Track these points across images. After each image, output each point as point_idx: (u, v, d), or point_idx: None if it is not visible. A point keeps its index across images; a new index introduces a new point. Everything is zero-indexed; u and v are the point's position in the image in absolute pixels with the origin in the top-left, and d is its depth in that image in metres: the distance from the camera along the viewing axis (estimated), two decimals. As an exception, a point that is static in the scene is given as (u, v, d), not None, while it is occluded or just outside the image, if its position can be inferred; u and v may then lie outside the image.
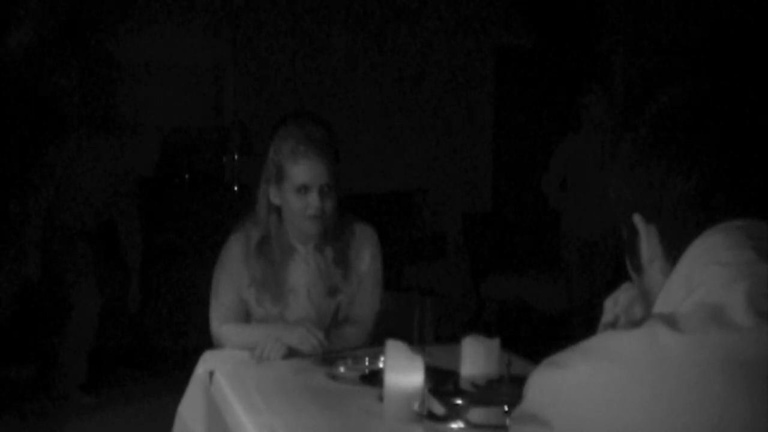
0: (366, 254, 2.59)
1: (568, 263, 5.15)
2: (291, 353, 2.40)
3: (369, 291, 2.61)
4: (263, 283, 2.51)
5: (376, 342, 2.43)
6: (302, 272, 2.54)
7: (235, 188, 5.63)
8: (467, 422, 1.75)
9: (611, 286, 1.31)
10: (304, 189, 2.43)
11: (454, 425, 1.75)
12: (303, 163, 2.41)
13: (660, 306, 0.92)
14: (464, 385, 1.97)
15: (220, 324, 2.56)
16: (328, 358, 2.36)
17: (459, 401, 1.81)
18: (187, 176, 5.69)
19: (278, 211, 2.52)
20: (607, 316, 1.30)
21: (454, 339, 2.12)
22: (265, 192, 2.51)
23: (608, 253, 4.90)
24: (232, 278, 2.55)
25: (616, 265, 4.76)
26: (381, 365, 2.12)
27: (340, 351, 2.44)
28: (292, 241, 2.54)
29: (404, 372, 1.86)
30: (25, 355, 4.95)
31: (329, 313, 2.55)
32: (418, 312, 2.94)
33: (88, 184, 4.53)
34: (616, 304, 1.29)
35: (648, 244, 0.95)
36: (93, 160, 4.54)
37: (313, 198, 2.42)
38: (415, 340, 2.04)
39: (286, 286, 2.52)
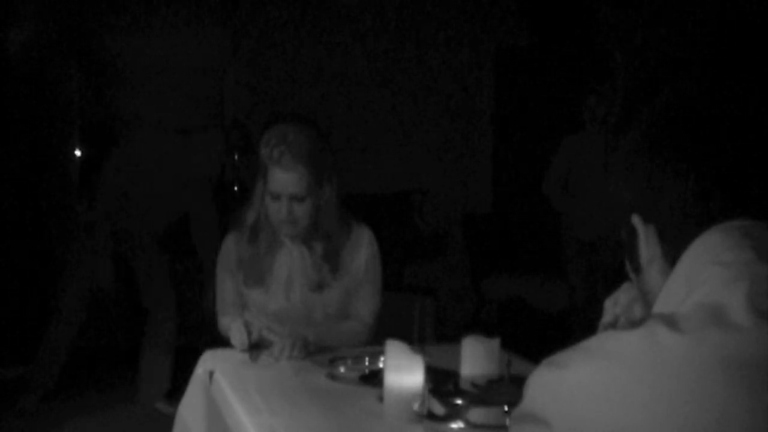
0: (361, 255, 2.62)
1: (569, 264, 5.15)
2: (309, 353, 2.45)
3: (367, 291, 2.64)
4: (248, 266, 2.58)
5: (376, 342, 2.44)
6: (284, 265, 2.59)
7: (235, 188, 5.63)
8: (467, 422, 1.75)
9: (612, 286, 1.32)
10: (276, 196, 2.49)
11: (454, 425, 1.75)
12: (276, 171, 2.47)
13: (660, 306, 0.92)
14: (464, 385, 1.97)
15: (219, 315, 2.69)
16: (324, 358, 2.37)
17: (459, 401, 1.81)
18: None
19: None
20: (607, 317, 1.30)
21: (454, 339, 2.12)
22: (258, 181, 2.58)
23: (610, 254, 4.90)
24: (229, 273, 2.64)
25: (617, 266, 4.76)
26: (381, 365, 2.13)
27: (342, 351, 2.45)
28: (280, 234, 2.58)
29: (404, 372, 1.86)
30: (24, 355, 4.95)
31: (317, 307, 2.56)
32: (418, 312, 2.94)
33: (156, 186, 4.27)
34: (616, 304, 1.29)
35: (647, 244, 0.95)
36: (159, 160, 4.27)
37: (282, 205, 2.49)
38: (415, 340, 2.04)
39: (269, 271, 2.58)
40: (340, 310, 2.61)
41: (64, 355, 4.49)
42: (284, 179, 2.47)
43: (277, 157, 2.46)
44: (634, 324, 0.89)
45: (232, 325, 2.48)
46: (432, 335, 2.97)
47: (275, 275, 2.59)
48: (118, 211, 4.28)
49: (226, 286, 2.67)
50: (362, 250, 2.62)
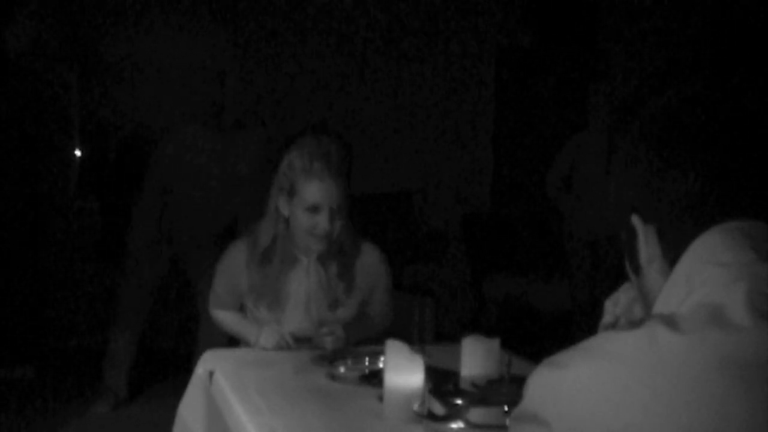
0: (372, 274, 2.63)
1: (572, 264, 5.14)
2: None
3: (380, 294, 2.68)
4: (261, 290, 2.56)
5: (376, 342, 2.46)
6: (302, 283, 2.57)
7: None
8: (467, 422, 1.74)
9: (614, 286, 1.32)
10: (315, 209, 2.44)
11: (454, 425, 1.75)
12: (315, 183, 2.42)
13: (660, 306, 0.92)
14: (464, 385, 1.97)
15: (214, 307, 2.73)
16: (324, 359, 2.37)
17: (459, 401, 1.81)
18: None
19: (286, 221, 2.54)
20: (607, 317, 1.30)
21: (454, 339, 2.12)
22: (275, 200, 2.53)
23: (613, 254, 4.89)
24: (228, 275, 2.64)
25: (620, 266, 4.74)
26: (381, 365, 2.13)
27: (343, 351, 2.45)
28: (296, 252, 2.55)
29: (404, 372, 1.86)
30: (26, 355, 4.95)
31: (332, 323, 2.57)
32: (418, 312, 2.95)
33: (199, 183, 4.17)
34: (616, 304, 1.29)
35: (646, 244, 0.95)
36: (197, 155, 4.17)
37: (323, 219, 2.44)
38: (415, 340, 2.04)
39: (283, 294, 2.56)
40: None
41: (131, 361, 4.43)
42: (327, 191, 2.42)
43: (317, 169, 2.41)
44: (635, 324, 0.88)
45: (264, 329, 2.51)
46: (432, 335, 2.97)
47: (293, 297, 2.57)
48: (162, 210, 4.22)
49: (225, 287, 2.67)
50: (372, 266, 2.62)
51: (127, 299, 4.40)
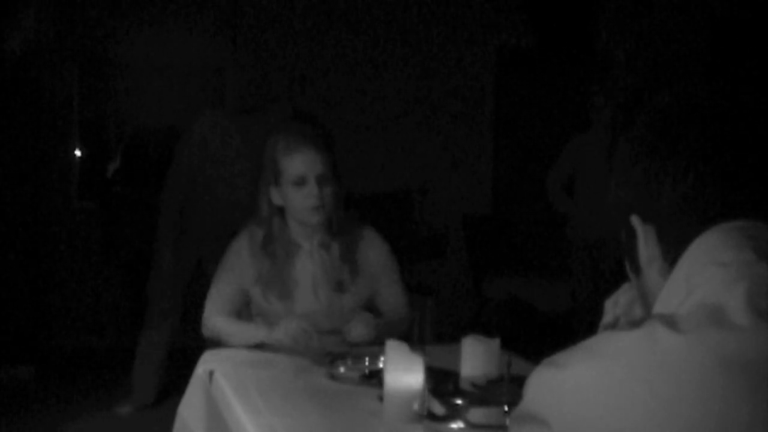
0: (376, 255, 2.65)
1: (572, 264, 5.14)
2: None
3: (393, 288, 2.69)
4: (269, 280, 2.56)
5: (376, 342, 2.45)
6: (307, 268, 2.59)
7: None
8: (467, 422, 1.75)
9: (614, 287, 1.31)
10: (301, 181, 2.48)
11: (454, 425, 1.75)
12: (297, 156, 2.47)
13: (660, 307, 0.92)
14: (464, 385, 1.97)
15: (214, 314, 2.63)
16: (325, 358, 2.37)
17: (459, 401, 1.81)
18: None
19: (281, 211, 2.57)
20: (607, 317, 1.30)
21: (454, 339, 2.13)
22: (265, 194, 2.56)
23: (613, 255, 4.88)
24: (232, 273, 2.62)
25: (620, 267, 4.73)
26: (381, 365, 2.13)
27: (343, 350, 2.45)
28: (297, 239, 2.57)
29: (404, 372, 1.86)
30: (26, 355, 4.96)
31: (339, 309, 2.57)
32: (418, 312, 2.95)
33: (225, 172, 4.04)
34: (616, 304, 1.29)
35: (646, 245, 0.95)
36: (231, 145, 4.04)
37: (312, 188, 2.47)
38: (415, 340, 2.04)
39: (291, 282, 2.57)
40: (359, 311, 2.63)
41: (160, 364, 4.33)
42: (309, 160, 2.46)
43: (295, 144, 2.46)
44: (635, 324, 0.88)
45: (282, 320, 2.44)
46: (432, 335, 2.97)
47: (300, 282, 2.57)
48: (189, 201, 4.08)
49: (225, 283, 2.64)
50: (376, 251, 2.64)
51: (156, 299, 4.30)
